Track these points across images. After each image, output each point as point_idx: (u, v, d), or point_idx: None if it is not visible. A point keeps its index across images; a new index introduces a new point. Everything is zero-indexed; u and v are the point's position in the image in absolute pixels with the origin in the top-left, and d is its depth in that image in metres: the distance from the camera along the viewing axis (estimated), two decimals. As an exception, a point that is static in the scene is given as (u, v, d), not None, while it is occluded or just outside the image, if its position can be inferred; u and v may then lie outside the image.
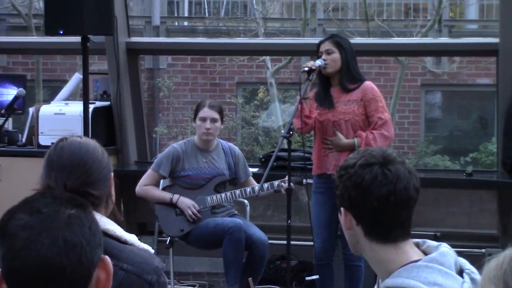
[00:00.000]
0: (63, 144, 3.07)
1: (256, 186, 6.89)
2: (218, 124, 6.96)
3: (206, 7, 15.06)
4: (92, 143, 3.12)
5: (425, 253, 2.82)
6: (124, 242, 3.03)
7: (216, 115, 6.91)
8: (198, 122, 6.92)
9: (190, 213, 6.94)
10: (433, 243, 2.86)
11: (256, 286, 7.13)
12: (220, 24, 14.21)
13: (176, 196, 6.99)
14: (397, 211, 2.77)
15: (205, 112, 6.89)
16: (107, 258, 2.08)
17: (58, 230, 1.98)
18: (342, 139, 6.43)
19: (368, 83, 6.59)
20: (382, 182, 2.73)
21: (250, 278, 6.03)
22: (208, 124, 6.89)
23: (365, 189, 2.75)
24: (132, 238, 3.08)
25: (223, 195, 7.02)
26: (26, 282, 1.99)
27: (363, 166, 2.76)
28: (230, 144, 7.29)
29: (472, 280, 2.70)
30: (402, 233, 2.80)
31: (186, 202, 6.97)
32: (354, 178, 2.76)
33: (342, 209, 2.83)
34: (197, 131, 6.99)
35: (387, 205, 2.75)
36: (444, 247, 2.83)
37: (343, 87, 6.55)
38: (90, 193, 2.97)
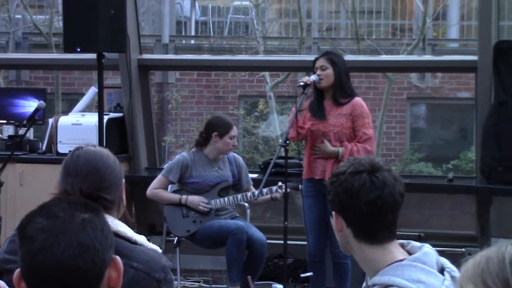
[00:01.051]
0: (79, 152, 3.07)
1: (256, 191, 6.91)
2: None
3: (211, 26, 15.06)
4: (105, 151, 3.13)
5: (409, 253, 2.82)
6: (134, 243, 3.03)
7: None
8: (227, 139, 6.95)
9: (202, 208, 6.95)
10: (417, 243, 2.86)
11: (255, 282, 7.13)
12: (224, 43, 14.21)
13: (184, 197, 7.01)
14: (383, 214, 2.78)
15: (235, 131, 7.04)
16: (118, 258, 2.07)
17: (73, 233, 1.97)
18: (328, 146, 6.48)
19: (358, 100, 6.62)
20: (370, 188, 2.74)
21: (249, 276, 6.03)
22: (236, 141, 7.06)
23: (355, 195, 2.75)
24: (141, 239, 3.08)
25: (226, 199, 7.02)
26: (43, 281, 1.98)
27: (353, 174, 2.76)
28: (235, 154, 7.30)
29: (452, 277, 2.70)
30: (388, 234, 2.80)
31: (195, 200, 6.98)
32: (344, 184, 2.77)
33: (333, 212, 2.83)
34: (222, 146, 7.00)
35: (375, 209, 2.76)
36: (427, 247, 2.84)
37: (335, 101, 6.57)
38: (103, 197, 2.97)
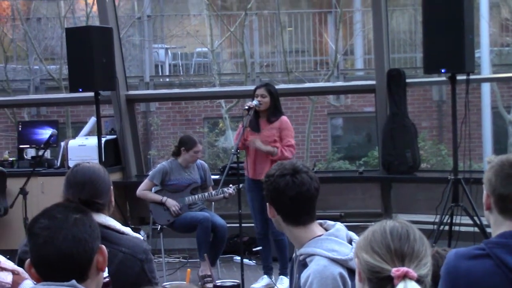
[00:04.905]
0: (77, 168, 3.05)
1: (213, 192, 6.98)
2: None
3: (180, 68, 15.03)
4: (97, 166, 3.10)
5: (326, 230, 2.84)
6: (122, 233, 3.01)
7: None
8: (192, 153, 6.98)
9: (174, 209, 6.95)
10: (331, 222, 2.88)
11: (220, 256, 7.13)
12: (190, 79, 14.17)
13: (165, 198, 6.99)
14: (303, 205, 2.79)
15: (198, 147, 7.03)
16: (103, 246, 2.06)
17: (68, 229, 1.98)
18: (262, 145, 6.46)
19: (284, 118, 6.64)
20: (292, 187, 2.77)
21: (205, 254, 6.05)
22: (199, 155, 7.07)
23: (281, 192, 2.78)
24: (127, 229, 3.05)
25: (196, 196, 7.03)
26: (47, 267, 1.99)
27: (279, 176, 2.80)
28: (202, 161, 7.30)
29: (358, 246, 2.71)
30: (308, 218, 2.82)
31: (171, 202, 6.97)
32: (273, 184, 2.79)
33: (267, 204, 2.84)
34: (188, 158, 7.00)
35: (296, 202, 2.78)
36: (339, 225, 2.85)
37: (268, 120, 6.59)
38: (97, 202, 2.95)
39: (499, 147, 12.73)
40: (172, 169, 7.03)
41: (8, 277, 2.28)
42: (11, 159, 8.52)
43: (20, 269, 2.33)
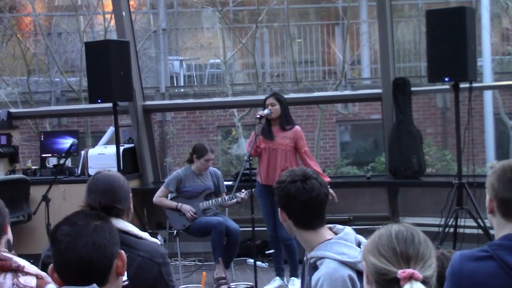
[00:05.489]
0: (98, 176, 3.06)
1: (226, 197, 6.96)
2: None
3: (194, 78, 15.06)
4: (117, 174, 3.11)
5: (336, 233, 2.83)
6: (140, 238, 3.01)
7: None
8: (203, 161, 6.94)
9: (189, 215, 6.95)
10: (340, 226, 2.87)
11: (234, 259, 7.12)
12: (204, 89, 14.20)
13: (180, 204, 6.98)
14: (313, 209, 2.78)
15: (209, 155, 6.96)
16: (123, 251, 2.06)
17: (88, 236, 1.97)
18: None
19: (298, 128, 6.64)
20: (303, 192, 2.76)
21: (220, 257, 6.04)
22: (210, 163, 6.99)
23: (292, 197, 2.77)
24: (145, 234, 3.05)
25: (210, 201, 7.01)
26: (69, 271, 1.98)
27: (290, 182, 2.79)
28: (215, 169, 7.28)
29: (366, 250, 2.70)
30: (319, 223, 2.81)
31: (186, 208, 6.96)
32: (285, 190, 2.79)
33: (279, 209, 2.84)
34: (200, 165, 6.97)
35: (306, 207, 2.77)
36: (348, 229, 2.84)
37: (281, 127, 6.58)
38: (116, 207, 2.95)
39: (501, 152, 12.68)
40: (186, 176, 7.03)
41: (32, 281, 2.29)
42: (34, 167, 8.56)
43: (43, 274, 2.34)
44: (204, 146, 7.07)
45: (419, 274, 1.81)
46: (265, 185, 6.58)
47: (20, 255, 2.39)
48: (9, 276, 2.26)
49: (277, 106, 6.54)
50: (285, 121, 6.58)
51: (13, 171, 8.35)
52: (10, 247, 2.38)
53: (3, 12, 14.20)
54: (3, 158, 8.33)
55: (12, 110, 9.49)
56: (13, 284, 2.24)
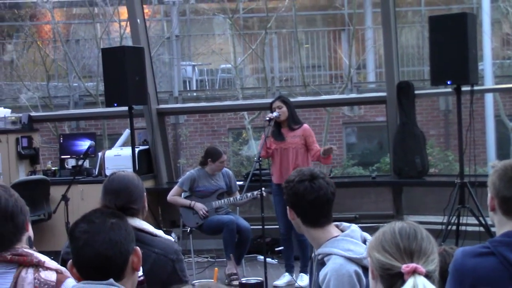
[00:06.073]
0: (113, 177, 3.05)
1: (238, 196, 6.97)
2: None
3: (206, 83, 15.07)
4: (132, 175, 3.09)
5: (342, 231, 2.83)
6: (155, 235, 3.00)
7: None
8: (218, 163, 6.94)
9: (202, 213, 6.95)
10: (347, 224, 2.87)
11: (245, 256, 7.12)
12: (216, 93, 14.21)
13: (193, 202, 6.99)
14: (321, 208, 2.78)
15: (223, 158, 6.96)
16: (138, 248, 2.07)
17: (105, 233, 1.98)
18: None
19: (306, 125, 6.64)
20: (311, 191, 2.76)
21: (231, 254, 6.04)
22: (225, 164, 7.01)
23: (300, 196, 2.77)
24: (159, 232, 3.05)
25: (222, 201, 7.02)
26: (87, 267, 1.99)
27: (298, 181, 2.78)
28: (227, 169, 7.28)
29: (371, 246, 2.70)
30: (326, 220, 2.80)
31: (199, 206, 6.96)
32: (293, 189, 2.78)
33: (288, 207, 2.84)
34: (215, 167, 6.97)
35: (314, 206, 2.76)
36: (354, 226, 2.84)
37: (290, 127, 6.58)
38: (131, 207, 2.94)
39: (502, 153, 12.64)
40: (199, 176, 7.04)
41: (52, 276, 2.30)
42: (53, 168, 8.59)
43: (63, 269, 2.35)
44: (218, 149, 7.07)
45: (422, 268, 1.82)
46: (278, 184, 6.57)
47: (40, 252, 2.40)
48: (30, 271, 2.27)
49: (284, 108, 6.54)
50: (293, 121, 6.58)
51: (34, 172, 8.38)
52: (31, 244, 2.39)
53: (24, 20, 14.26)
54: (24, 160, 8.36)
55: (33, 113, 9.53)
56: (34, 278, 2.25)
